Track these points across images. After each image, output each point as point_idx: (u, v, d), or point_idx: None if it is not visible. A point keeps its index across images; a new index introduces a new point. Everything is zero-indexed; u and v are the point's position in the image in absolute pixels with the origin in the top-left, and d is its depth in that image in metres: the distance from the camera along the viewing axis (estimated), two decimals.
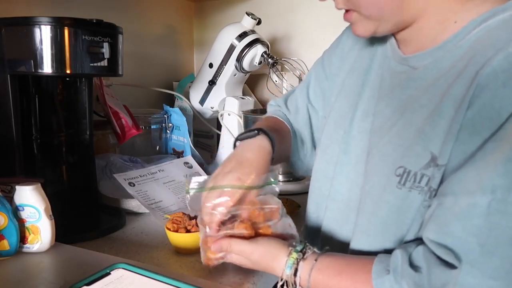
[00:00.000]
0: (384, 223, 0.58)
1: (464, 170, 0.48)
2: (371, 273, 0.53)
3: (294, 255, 0.58)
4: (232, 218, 0.62)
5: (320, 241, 0.71)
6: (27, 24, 0.73)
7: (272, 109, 0.88)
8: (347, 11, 0.62)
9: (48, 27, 0.73)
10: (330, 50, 0.80)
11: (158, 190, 0.94)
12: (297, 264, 0.57)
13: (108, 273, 0.60)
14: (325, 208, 0.70)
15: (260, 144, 0.69)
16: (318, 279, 0.56)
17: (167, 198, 0.93)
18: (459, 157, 0.50)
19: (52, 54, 0.73)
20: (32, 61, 0.73)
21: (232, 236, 0.60)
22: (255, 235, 0.61)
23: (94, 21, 0.76)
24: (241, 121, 1.22)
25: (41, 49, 0.73)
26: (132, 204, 0.94)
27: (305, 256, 0.58)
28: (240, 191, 0.62)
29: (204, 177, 0.69)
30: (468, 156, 0.49)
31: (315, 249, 0.59)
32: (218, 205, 0.61)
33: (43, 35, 0.73)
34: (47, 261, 0.68)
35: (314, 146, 0.82)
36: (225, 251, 0.60)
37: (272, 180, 0.66)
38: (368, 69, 0.69)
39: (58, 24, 0.73)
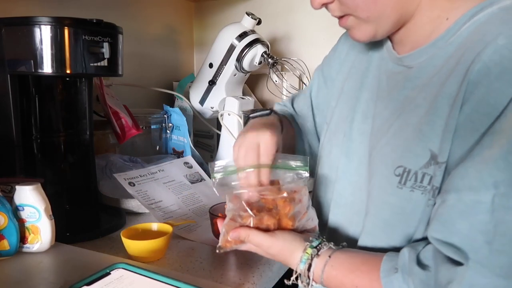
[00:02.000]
0: (389, 225, 0.58)
1: (464, 166, 0.48)
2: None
3: (309, 250, 0.58)
4: (257, 203, 0.62)
5: None
6: (27, 24, 0.73)
7: (279, 107, 0.89)
8: (341, 17, 0.61)
9: (48, 27, 0.73)
10: (329, 56, 0.81)
11: (158, 190, 0.94)
12: (311, 259, 0.58)
13: (108, 273, 0.60)
14: (329, 213, 0.70)
15: (273, 122, 0.70)
16: (331, 275, 0.57)
17: (167, 198, 0.93)
18: (459, 153, 0.50)
19: (52, 54, 0.73)
20: (32, 61, 0.73)
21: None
22: (276, 227, 0.62)
23: (94, 21, 0.76)
24: (241, 121, 1.22)
25: (41, 49, 0.73)
26: (132, 204, 0.94)
27: (319, 252, 0.58)
28: (269, 170, 0.62)
29: (226, 160, 0.67)
30: (468, 151, 0.49)
31: (331, 245, 0.59)
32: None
33: (43, 35, 0.73)
34: (47, 261, 0.68)
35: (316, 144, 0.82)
36: (242, 240, 0.61)
37: (301, 164, 0.65)
38: (365, 72, 0.69)
39: (58, 24, 0.73)
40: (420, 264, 0.50)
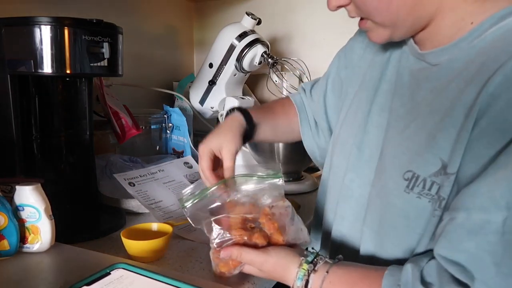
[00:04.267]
0: (393, 227, 0.57)
1: (476, 184, 0.47)
2: None
3: (305, 266, 0.57)
4: (239, 225, 0.61)
5: (330, 239, 0.70)
6: (27, 24, 0.73)
7: (295, 92, 0.92)
8: (361, 18, 0.62)
9: (48, 27, 0.73)
10: (353, 38, 0.80)
11: (158, 190, 0.94)
12: (308, 276, 0.56)
13: (108, 273, 0.60)
14: (336, 204, 0.69)
15: (232, 118, 0.75)
16: None
17: (167, 198, 0.93)
18: (472, 168, 0.49)
19: (52, 54, 0.73)
20: (32, 61, 0.73)
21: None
22: (267, 244, 0.60)
23: (94, 21, 0.76)
24: None
25: (41, 49, 0.73)
26: (132, 204, 0.94)
27: (316, 268, 0.57)
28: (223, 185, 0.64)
29: (191, 185, 0.68)
30: (481, 168, 0.48)
31: (327, 259, 0.58)
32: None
33: (43, 35, 0.73)
34: (47, 261, 0.68)
35: (330, 134, 0.82)
36: (234, 259, 0.60)
37: (273, 173, 0.65)
38: (386, 64, 0.68)
39: (58, 24, 0.73)
40: (423, 282, 0.49)
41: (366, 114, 0.67)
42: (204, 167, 0.69)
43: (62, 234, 0.73)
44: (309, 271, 0.56)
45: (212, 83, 1.31)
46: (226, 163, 0.69)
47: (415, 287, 0.49)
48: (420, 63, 0.62)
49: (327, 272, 0.56)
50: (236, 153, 0.71)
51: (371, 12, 0.58)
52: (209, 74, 1.31)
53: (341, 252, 0.62)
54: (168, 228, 0.76)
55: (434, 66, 0.59)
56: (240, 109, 0.78)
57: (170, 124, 1.28)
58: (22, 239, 0.69)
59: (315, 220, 0.81)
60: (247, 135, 0.76)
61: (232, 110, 0.79)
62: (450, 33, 0.57)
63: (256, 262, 0.59)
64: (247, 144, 1.20)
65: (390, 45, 0.68)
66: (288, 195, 1.05)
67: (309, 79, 1.28)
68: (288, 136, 0.88)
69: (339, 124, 0.75)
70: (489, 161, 0.47)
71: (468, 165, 0.49)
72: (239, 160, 1.20)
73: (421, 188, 0.54)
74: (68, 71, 0.75)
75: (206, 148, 0.70)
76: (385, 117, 0.64)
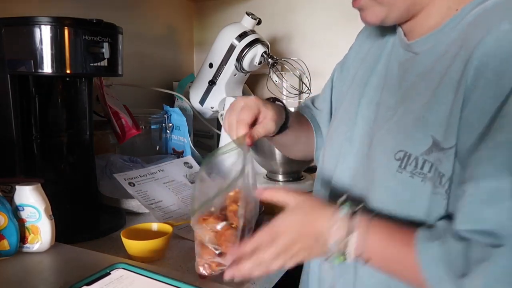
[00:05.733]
0: (389, 212, 0.56)
1: (478, 153, 0.47)
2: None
3: (343, 215, 0.53)
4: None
5: None
6: (27, 24, 0.73)
7: (299, 107, 0.89)
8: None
9: (48, 27, 0.73)
10: (349, 49, 0.81)
11: (158, 190, 0.94)
12: (350, 229, 0.52)
13: (108, 273, 0.60)
14: (328, 198, 0.69)
15: (277, 103, 0.72)
16: (374, 246, 0.52)
17: (167, 198, 0.93)
18: (470, 140, 0.49)
19: (52, 54, 0.73)
20: (32, 61, 0.73)
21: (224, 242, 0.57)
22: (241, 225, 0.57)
23: (94, 21, 0.76)
24: None
25: (41, 49, 0.73)
26: (132, 204, 0.94)
27: (355, 219, 0.53)
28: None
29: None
30: (479, 137, 0.48)
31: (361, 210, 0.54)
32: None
33: (43, 35, 0.73)
34: (47, 261, 0.68)
35: None
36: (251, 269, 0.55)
37: (232, 147, 0.62)
38: (377, 59, 0.69)
39: (58, 24, 0.73)
40: (455, 236, 0.48)
41: (355, 108, 0.68)
42: (245, 117, 0.64)
43: (62, 234, 0.73)
44: (351, 224, 0.52)
45: (212, 83, 1.31)
46: (242, 115, 0.65)
47: (447, 239, 0.47)
48: (408, 54, 0.63)
49: (367, 224, 0.53)
50: (258, 112, 0.66)
51: None
52: (209, 74, 1.31)
53: None
54: (168, 228, 0.76)
55: (418, 55, 0.61)
56: (282, 103, 0.76)
57: (170, 124, 1.28)
58: (22, 239, 0.69)
59: None
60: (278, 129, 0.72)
61: (274, 99, 0.76)
62: (435, 22, 0.59)
63: (276, 230, 0.54)
64: None
65: (384, 41, 0.70)
66: None
67: (309, 79, 1.28)
68: (304, 149, 0.85)
69: (332, 122, 0.75)
70: (485, 128, 0.48)
71: (466, 138, 0.50)
72: (239, 160, 1.20)
73: (413, 166, 0.54)
74: (68, 71, 0.75)
75: (253, 101, 0.66)
76: (373, 110, 0.64)
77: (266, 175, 1.22)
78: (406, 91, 0.60)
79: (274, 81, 1.34)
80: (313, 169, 1.28)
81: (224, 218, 0.59)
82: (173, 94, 1.41)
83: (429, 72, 0.57)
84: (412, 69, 0.61)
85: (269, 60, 1.25)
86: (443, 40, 0.57)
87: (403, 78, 0.62)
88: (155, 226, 0.78)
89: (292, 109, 0.86)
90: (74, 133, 0.90)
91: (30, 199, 0.69)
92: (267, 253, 0.54)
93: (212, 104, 1.34)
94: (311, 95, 0.90)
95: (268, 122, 0.67)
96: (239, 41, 1.23)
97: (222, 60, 1.27)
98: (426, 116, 0.54)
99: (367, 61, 0.72)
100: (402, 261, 0.51)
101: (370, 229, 0.52)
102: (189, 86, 1.41)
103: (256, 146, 1.17)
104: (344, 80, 0.78)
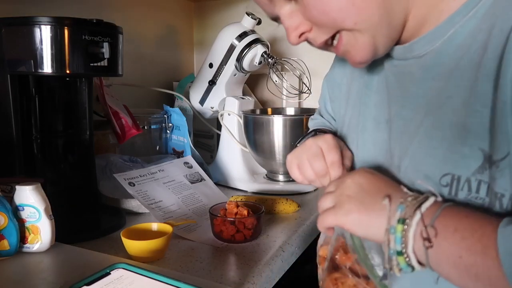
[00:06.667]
0: None
1: None
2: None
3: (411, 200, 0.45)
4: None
5: None
6: (27, 24, 0.73)
7: (312, 123, 0.84)
8: (332, 42, 0.54)
9: (48, 27, 0.73)
10: (333, 62, 0.78)
11: (158, 190, 0.94)
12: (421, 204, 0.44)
13: (108, 273, 0.60)
14: None
15: (324, 136, 0.64)
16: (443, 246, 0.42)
17: (167, 198, 0.93)
18: None
19: (52, 54, 0.73)
20: (32, 61, 0.73)
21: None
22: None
23: (94, 21, 0.76)
24: (241, 121, 1.21)
25: (41, 49, 0.73)
26: (132, 204, 0.94)
27: (424, 203, 0.44)
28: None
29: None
30: None
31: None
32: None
33: (43, 35, 0.73)
34: (47, 261, 0.68)
35: None
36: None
37: None
38: (368, 73, 0.63)
39: (58, 24, 0.73)
40: None
41: (361, 133, 0.62)
42: (337, 157, 0.59)
43: (62, 234, 0.73)
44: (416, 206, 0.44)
45: (212, 83, 1.31)
46: (329, 157, 0.60)
47: None
48: (407, 61, 0.55)
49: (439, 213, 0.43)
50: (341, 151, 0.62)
51: (337, 16, 0.49)
52: (209, 74, 1.31)
53: None
54: (168, 228, 0.76)
55: (426, 55, 0.52)
56: (325, 132, 0.71)
57: (170, 124, 1.28)
58: (22, 239, 0.69)
59: None
60: None
61: (312, 132, 0.72)
62: (434, 16, 0.51)
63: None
64: (247, 144, 1.20)
65: None
66: (288, 194, 1.06)
67: (309, 79, 1.28)
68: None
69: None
70: None
71: None
72: (240, 160, 1.20)
73: (466, 192, 0.44)
74: (68, 71, 0.75)
75: (331, 140, 0.61)
76: (385, 129, 0.57)
77: (266, 175, 1.22)
78: (426, 97, 0.51)
79: (274, 81, 1.34)
80: None
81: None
82: (173, 94, 1.41)
83: (455, 70, 0.48)
84: (422, 72, 0.52)
85: (269, 60, 1.25)
86: (460, 32, 0.48)
87: (409, 85, 0.54)
88: (155, 226, 0.78)
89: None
90: (74, 133, 0.90)
91: (30, 199, 0.69)
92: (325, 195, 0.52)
93: (212, 104, 1.34)
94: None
95: (347, 152, 0.63)
96: (239, 41, 1.23)
97: (222, 60, 1.27)
98: (468, 123, 0.44)
99: (357, 77, 0.65)
100: (480, 238, 0.40)
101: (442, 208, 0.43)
102: (189, 86, 1.41)
103: (256, 146, 1.17)
104: (338, 101, 0.73)
